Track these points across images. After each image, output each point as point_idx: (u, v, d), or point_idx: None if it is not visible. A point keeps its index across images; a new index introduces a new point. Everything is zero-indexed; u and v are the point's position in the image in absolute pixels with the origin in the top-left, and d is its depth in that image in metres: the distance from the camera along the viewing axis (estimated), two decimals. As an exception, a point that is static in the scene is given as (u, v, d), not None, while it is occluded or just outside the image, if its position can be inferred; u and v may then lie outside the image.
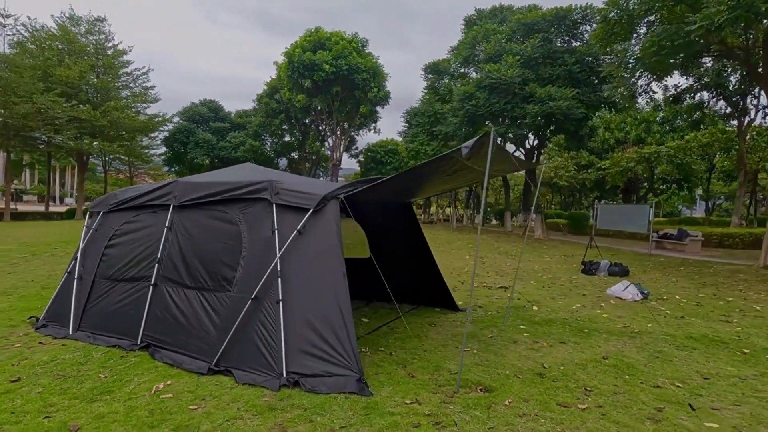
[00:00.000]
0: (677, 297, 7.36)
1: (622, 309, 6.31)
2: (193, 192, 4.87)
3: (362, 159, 35.32)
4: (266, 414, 3.00)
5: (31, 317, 5.59)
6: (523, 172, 23.43)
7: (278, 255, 4.00)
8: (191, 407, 3.15)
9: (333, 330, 3.70)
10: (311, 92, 24.45)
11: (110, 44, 32.56)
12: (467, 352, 4.30)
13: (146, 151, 34.73)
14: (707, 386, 3.46)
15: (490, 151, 3.02)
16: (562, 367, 3.82)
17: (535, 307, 6.31)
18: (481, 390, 3.36)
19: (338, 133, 28.17)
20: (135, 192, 5.49)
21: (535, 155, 20.22)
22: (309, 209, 4.10)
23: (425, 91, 23.42)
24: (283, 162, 40.60)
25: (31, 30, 29.10)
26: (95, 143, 29.09)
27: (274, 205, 4.27)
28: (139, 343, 4.49)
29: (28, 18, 42.56)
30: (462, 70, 21.75)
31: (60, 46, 29.55)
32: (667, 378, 3.60)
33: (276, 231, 4.14)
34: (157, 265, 4.75)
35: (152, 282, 4.69)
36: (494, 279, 9.15)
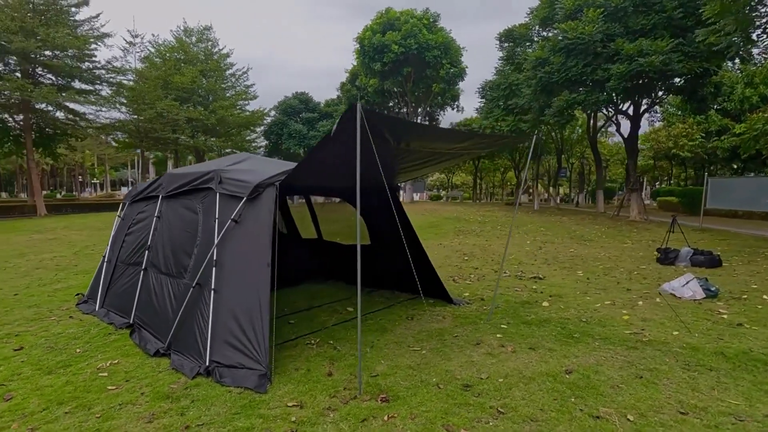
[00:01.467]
0: (765, 297, 5.71)
1: (659, 310, 5.10)
2: (173, 183, 5.18)
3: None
4: (157, 402, 3.09)
5: (78, 294, 6.62)
6: (623, 144, 20.35)
7: (215, 244, 4.06)
8: (109, 387, 3.38)
9: (251, 321, 3.64)
10: (384, 75, 24.32)
11: (216, 49, 36.55)
12: (415, 352, 3.90)
13: (252, 144, 38.43)
14: (673, 425, 2.59)
15: (358, 127, 2.59)
16: (501, 380, 3.22)
17: (545, 303, 5.46)
18: (381, 399, 3.01)
19: (411, 113, 27.61)
20: (146, 184, 6.05)
21: (640, 123, 17.25)
22: (243, 198, 4.05)
23: (500, 61, 21.52)
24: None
25: (155, 45, 34.04)
26: (211, 140, 33.02)
27: (217, 195, 4.32)
28: (131, 322, 4.98)
29: (153, 35, 49.43)
30: (543, 34, 19.48)
31: (177, 56, 33.92)
32: (627, 407, 2.79)
33: (216, 220, 4.20)
34: (147, 251, 5.18)
35: (143, 267, 5.14)
36: (536, 268, 8.17)
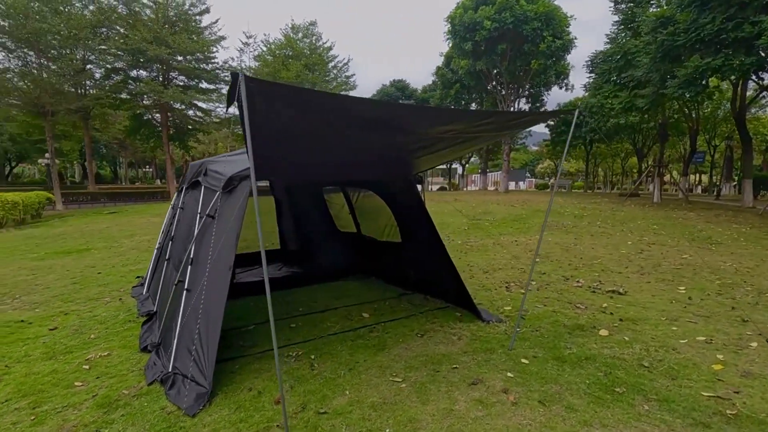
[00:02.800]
0: None
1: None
2: (189, 174, 5.16)
3: (551, 123, 31.07)
4: (95, 410, 2.94)
5: (138, 276, 7.19)
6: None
7: (192, 240, 3.82)
8: (77, 384, 3.37)
9: (207, 328, 3.30)
10: (477, 55, 22.55)
11: (320, 43, 38.28)
12: (394, 385, 3.18)
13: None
14: None
15: (244, 99, 1.95)
16: (471, 448, 2.34)
17: (604, 332, 4.16)
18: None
19: (509, 95, 25.22)
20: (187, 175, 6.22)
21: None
22: (217, 191, 3.72)
23: (615, 27, 18.13)
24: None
25: (267, 44, 36.92)
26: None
27: (202, 188, 4.08)
28: (155, 310, 5.12)
29: (264, 35, 53.71)
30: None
31: (285, 53, 36.30)
32: None
33: (198, 214, 3.96)
34: (171, 242, 5.26)
35: (167, 257, 5.24)
36: (622, 278, 6.56)
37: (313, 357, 3.74)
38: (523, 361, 3.48)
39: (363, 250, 6.95)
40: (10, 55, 23.92)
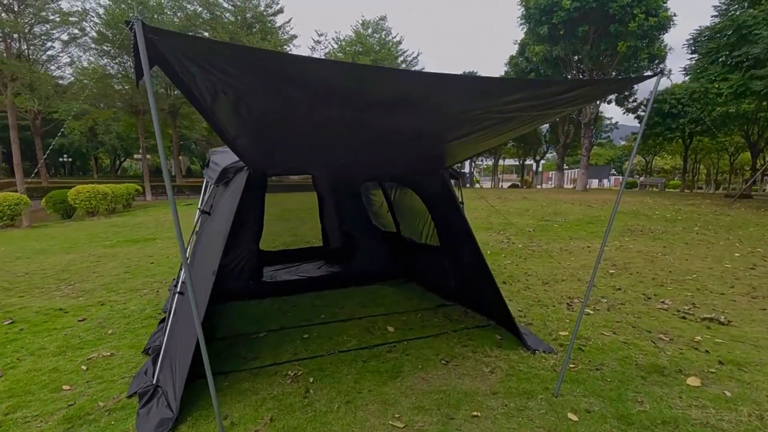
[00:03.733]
0: None
1: None
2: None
3: (642, 113, 27.72)
4: (61, 425, 2.66)
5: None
6: None
7: (188, 239, 3.47)
8: (64, 387, 3.18)
9: (184, 342, 2.91)
10: (554, 39, 20.47)
11: (389, 38, 38.04)
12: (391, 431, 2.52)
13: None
14: None
15: (144, 56, 1.43)
16: None
17: (693, 380, 3.07)
18: None
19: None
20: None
21: None
22: (211, 184, 3.33)
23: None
24: (543, 127, 37.08)
25: (337, 42, 37.49)
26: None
27: (205, 180, 3.72)
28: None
29: (335, 32, 54.80)
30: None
31: (356, 49, 36.57)
32: None
33: (198, 210, 3.61)
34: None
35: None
36: (725, 302, 5.20)
37: (312, 380, 3.20)
38: (570, 417, 2.61)
39: (403, 251, 6.31)
40: (112, 62, 26.76)
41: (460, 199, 4.05)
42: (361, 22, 37.86)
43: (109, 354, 3.76)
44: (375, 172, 4.93)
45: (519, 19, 21.86)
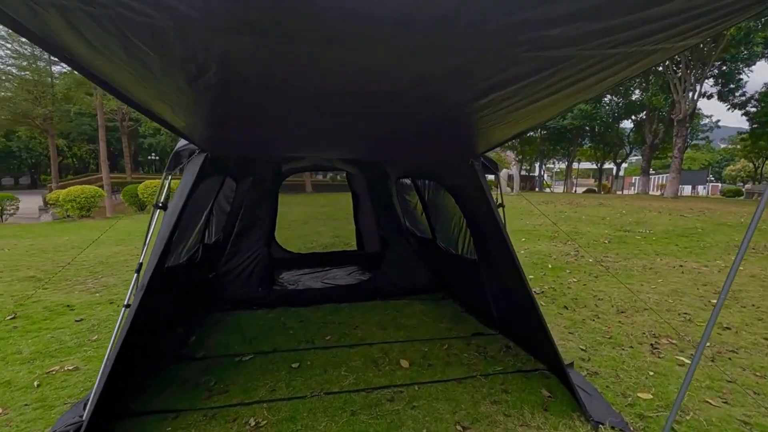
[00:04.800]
0: None
1: None
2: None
3: (753, 109, 23.76)
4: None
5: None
6: None
7: (144, 243, 2.82)
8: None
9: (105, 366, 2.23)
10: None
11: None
12: None
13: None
14: None
15: None
16: None
17: None
18: None
19: (681, 74, 19.50)
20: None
21: None
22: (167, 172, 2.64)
23: None
24: (625, 125, 33.44)
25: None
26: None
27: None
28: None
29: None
30: None
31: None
32: None
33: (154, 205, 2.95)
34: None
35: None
36: None
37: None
38: None
39: (439, 262, 5.32)
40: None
41: (498, 201, 3.00)
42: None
43: (72, 368, 3.26)
44: (388, 156, 4.02)
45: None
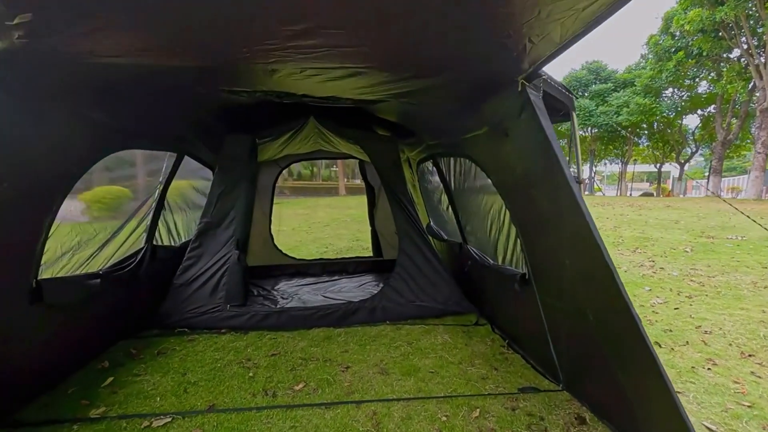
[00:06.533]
0: None
1: None
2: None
3: None
4: None
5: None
6: None
7: None
8: None
9: None
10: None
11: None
12: None
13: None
14: None
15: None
16: None
17: None
18: None
19: (766, 59, 16.59)
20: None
21: None
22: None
23: None
24: (691, 121, 30.12)
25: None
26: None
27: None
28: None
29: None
30: None
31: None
32: None
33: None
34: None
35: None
36: None
37: None
38: None
39: (471, 274, 3.90)
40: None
41: (574, 172, 1.60)
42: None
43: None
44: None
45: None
